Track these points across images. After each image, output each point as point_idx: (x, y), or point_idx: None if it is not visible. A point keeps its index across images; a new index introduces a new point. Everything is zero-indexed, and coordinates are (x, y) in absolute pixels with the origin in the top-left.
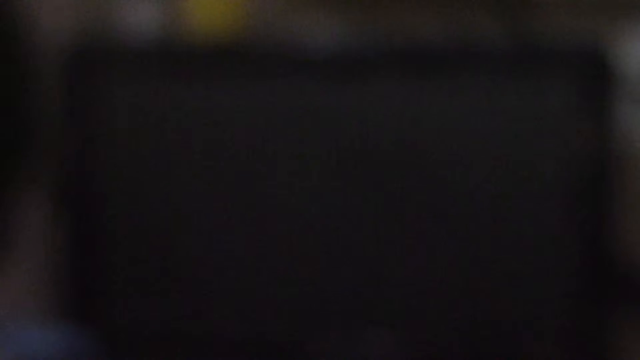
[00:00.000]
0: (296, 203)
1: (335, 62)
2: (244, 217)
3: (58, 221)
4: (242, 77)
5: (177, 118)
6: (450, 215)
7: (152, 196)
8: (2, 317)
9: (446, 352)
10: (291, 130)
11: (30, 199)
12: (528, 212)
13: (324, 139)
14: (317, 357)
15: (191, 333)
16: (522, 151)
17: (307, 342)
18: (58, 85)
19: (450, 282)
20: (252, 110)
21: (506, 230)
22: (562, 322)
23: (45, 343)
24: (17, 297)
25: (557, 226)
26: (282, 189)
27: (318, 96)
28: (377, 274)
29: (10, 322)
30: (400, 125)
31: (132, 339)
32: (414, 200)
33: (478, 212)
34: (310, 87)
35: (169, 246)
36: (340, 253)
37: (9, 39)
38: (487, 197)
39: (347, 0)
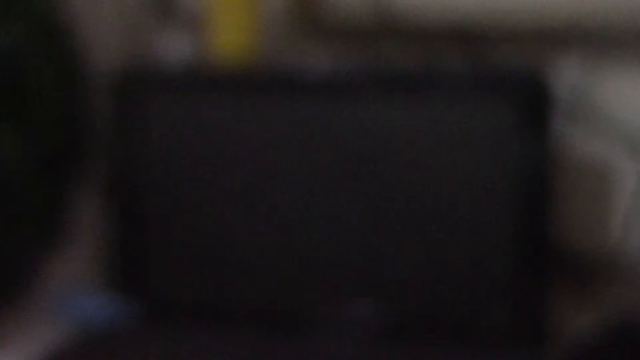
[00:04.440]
0: (297, 197)
1: (329, 84)
2: (255, 208)
3: (108, 211)
4: (255, 96)
5: (202, 128)
6: (419, 208)
7: (182, 191)
8: (64, 286)
9: (419, 319)
10: (295, 136)
11: (85, 193)
12: (483, 208)
13: (321, 145)
14: (312, 321)
15: (210, 301)
16: (479, 157)
17: (304, 310)
18: (108, 103)
19: (422, 264)
20: (264, 121)
21: (464, 222)
22: (511, 295)
23: (99, 307)
24: (75, 270)
25: (510, 219)
26: (287, 186)
27: (315, 111)
28: (363, 256)
29: (70, 290)
30: (380, 134)
31: (168, 304)
32: (391, 194)
33: (441, 206)
34: (309, 104)
35: (197, 232)
36: (334, 240)
37: (70, 67)
38: (448, 194)
39: (340, 37)
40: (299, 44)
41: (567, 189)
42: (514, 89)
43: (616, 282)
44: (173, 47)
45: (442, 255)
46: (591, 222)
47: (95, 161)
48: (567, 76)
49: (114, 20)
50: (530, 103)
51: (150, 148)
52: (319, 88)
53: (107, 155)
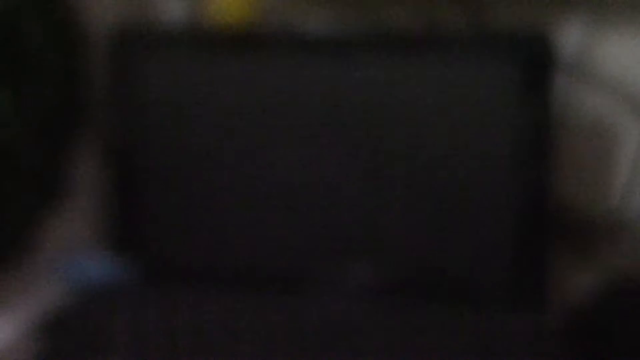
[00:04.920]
0: (297, 157)
1: (329, 43)
2: (255, 169)
3: (107, 170)
4: (254, 55)
5: (201, 88)
6: (419, 168)
7: (181, 151)
8: (63, 247)
9: (418, 280)
10: (294, 96)
11: (84, 153)
12: (484, 168)
13: (321, 105)
14: (312, 282)
15: (208, 262)
16: (481, 117)
17: (303, 271)
18: (106, 62)
19: (421, 224)
20: (263, 81)
21: (466, 183)
22: (512, 256)
23: (98, 268)
24: (75, 231)
25: (512, 179)
26: (287, 147)
27: (315, 70)
28: (363, 216)
29: (69, 251)
30: (380, 93)
31: (167, 265)
32: (391, 155)
33: (442, 166)
34: (309, 63)
35: (196, 192)
36: (333, 199)
37: (67, 26)
38: (449, 153)
39: None
40: (299, 4)
41: (569, 149)
42: (516, 48)
43: (618, 242)
44: (171, 5)
45: (442, 216)
46: (594, 182)
47: (94, 121)
48: (570, 36)
49: None
50: (533, 62)
51: (149, 107)
52: (319, 48)
53: (106, 115)
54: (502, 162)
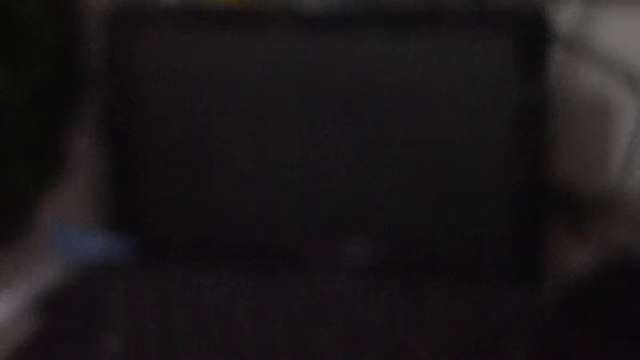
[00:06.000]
0: (296, 134)
1: (327, 19)
2: (252, 145)
3: (104, 147)
4: (251, 31)
5: (198, 64)
6: (418, 144)
7: (178, 127)
8: (60, 224)
9: (417, 256)
10: (291, 72)
11: (81, 129)
12: (482, 144)
13: (319, 81)
14: (309, 261)
15: (206, 238)
16: (479, 92)
17: (302, 248)
18: (103, 38)
19: (419, 200)
20: (260, 57)
21: (463, 159)
22: (508, 231)
23: (96, 245)
24: (72, 208)
25: (509, 155)
26: (285, 123)
27: (313, 46)
28: (362, 193)
29: (66, 228)
30: (380, 71)
31: (165, 242)
32: (389, 131)
33: (440, 142)
34: (307, 39)
35: (193, 169)
36: (331, 175)
37: (63, 2)
38: (447, 129)
39: None
40: None
41: (567, 126)
42: (514, 24)
43: (614, 219)
44: None
45: (440, 192)
46: (591, 159)
47: (91, 97)
48: (568, 12)
49: None
50: (531, 39)
51: (146, 84)
52: (316, 24)
53: (103, 91)
54: (500, 137)
